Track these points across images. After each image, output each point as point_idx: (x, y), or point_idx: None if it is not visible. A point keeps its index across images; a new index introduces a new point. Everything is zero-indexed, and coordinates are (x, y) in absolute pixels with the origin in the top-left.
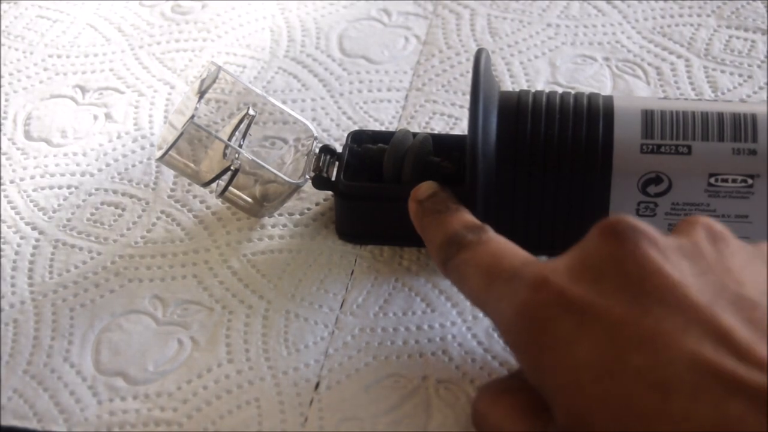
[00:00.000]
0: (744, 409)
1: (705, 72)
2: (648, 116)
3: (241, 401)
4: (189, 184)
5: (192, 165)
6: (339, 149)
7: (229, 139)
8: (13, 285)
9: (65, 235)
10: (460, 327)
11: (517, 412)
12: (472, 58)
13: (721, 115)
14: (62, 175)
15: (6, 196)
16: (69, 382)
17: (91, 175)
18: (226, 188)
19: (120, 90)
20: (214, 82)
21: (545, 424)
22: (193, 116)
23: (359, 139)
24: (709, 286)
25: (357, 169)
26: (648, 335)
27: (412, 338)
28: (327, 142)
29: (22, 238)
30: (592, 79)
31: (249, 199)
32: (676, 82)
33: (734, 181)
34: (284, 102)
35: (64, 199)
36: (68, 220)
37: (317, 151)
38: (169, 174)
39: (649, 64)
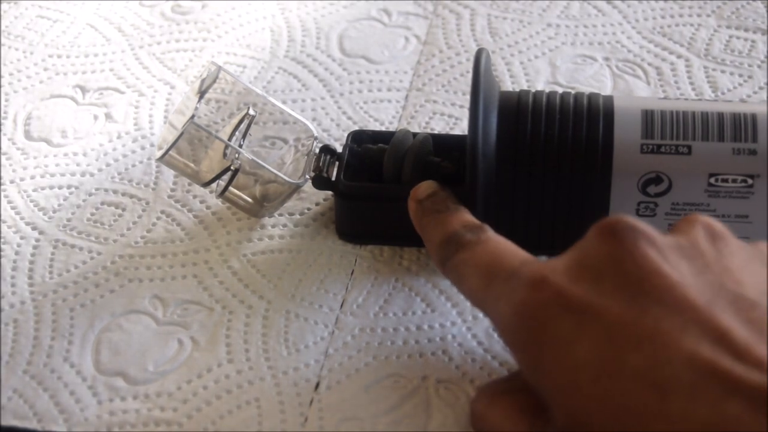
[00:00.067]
0: (742, 409)
1: (705, 72)
2: (648, 116)
3: (241, 401)
4: (189, 184)
5: (192, 165)
6: (339, 149)
7: (229, 139)
8: (13, 285)
9: (65, 235)
10: (460, 327)
11: (516, 412)
12: (472, 58)
13: (721, 115)
14: (62, 175)
15: (6, 196)
16: (69, 382)
17: (91, 175)
18: (226, 188)
19: (120, 90)
20: (214, 82)
21: (543, 425)
22: (193, 116)
23: (359, 139)
24: (707, 285)
25: (357, 169)
26: (646, 335)
27: (412, 338)
28: (327, 142)
29: (22, 238)
30: (592, 79)
31: (249, 199)
32: (676, 82)
33: (734, 181)
34: (284, 102)
35: (64, 199)
36: (68, 220)
37: (317, 151)
38: (169, 174)
39: (649, 64)
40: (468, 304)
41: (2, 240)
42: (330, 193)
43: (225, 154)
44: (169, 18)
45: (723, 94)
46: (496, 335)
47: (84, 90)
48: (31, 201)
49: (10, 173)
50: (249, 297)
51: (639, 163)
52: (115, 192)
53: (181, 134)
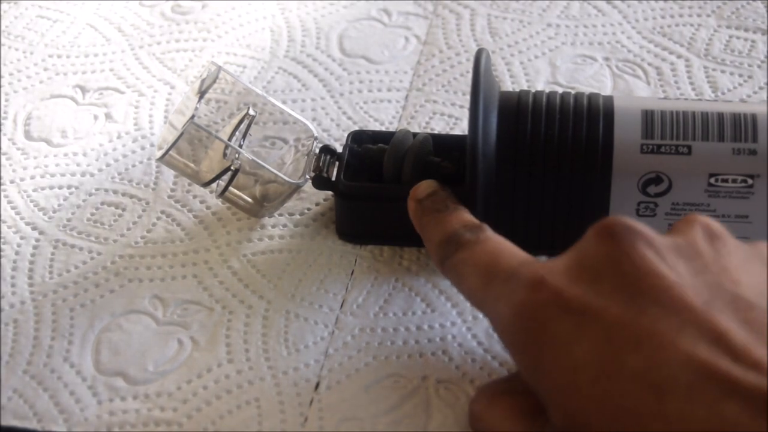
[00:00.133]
0: (739, 411)
1: (705, 72)
2: (648, 116)
3: (241, 401)
4: (189, 184)
5: (192, 165)
6: (339, 149)
7: (229, 139)
8: (13, 285)
9: (65, 235)
10: (460, 327)
11: (514, 413)
12: (472, 58)
13: (721, 115)
14: (62, 175)
15: (6, 196)
16: (69, 382)
17: (92, 175)
18: (226, 188)
19: (120, 90)
20: (214, 82)
21: (542, 426)
22: (193, 116)
23: (359, 139)
24: (705, 286)
25: (357, 169)
26: (644, 336)
27: (412, 338)
28: (327, 142)
29: (22, 238)
30: (592, 79)
31: (249, 199)
32: (676, 82)
33: (734, 181)
34: (284, 102)
35: (65, 199)
36: (68, 220)
37: (317, 151)
38: (169, 174)
39: (649, 64)
40: (468, 304)
41: (2, 240)
42: (330, 193)
43: (225, 154)
44: (169, 18)
45: (723, 94)
46: (495, 335)
47: (84, 90)
48: (31, 201)
49: (10, 173)
50: (249, 297)
51: (639, 163)
52: (115, 192)
53: (181, 134)
